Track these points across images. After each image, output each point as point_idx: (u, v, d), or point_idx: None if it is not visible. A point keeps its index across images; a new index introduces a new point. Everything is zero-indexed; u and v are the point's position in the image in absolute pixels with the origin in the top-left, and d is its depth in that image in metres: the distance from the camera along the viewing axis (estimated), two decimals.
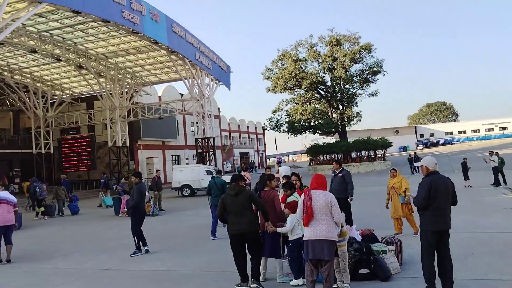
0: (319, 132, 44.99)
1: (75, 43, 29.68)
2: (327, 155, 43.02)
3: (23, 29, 26.30)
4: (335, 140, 47.74)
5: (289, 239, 6.46)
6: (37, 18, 24.94)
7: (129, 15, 23.80)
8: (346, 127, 45.37)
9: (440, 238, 5.38)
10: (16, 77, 35.34)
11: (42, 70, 35.13)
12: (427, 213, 5.40)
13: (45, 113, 38.64)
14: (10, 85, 35.54)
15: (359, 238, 6.97)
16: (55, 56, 30.37)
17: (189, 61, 30.72)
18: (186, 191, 27.25)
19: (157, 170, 21.10)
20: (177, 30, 28.60)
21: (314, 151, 42.72)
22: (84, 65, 31.83)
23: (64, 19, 25.37)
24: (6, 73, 34.06)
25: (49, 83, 37.77)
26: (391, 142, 43.32)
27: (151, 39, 27.13)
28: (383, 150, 42.51)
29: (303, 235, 6.08)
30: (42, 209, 19.13)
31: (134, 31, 25.70)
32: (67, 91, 39.68)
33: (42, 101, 38.09)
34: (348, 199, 9.96)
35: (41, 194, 19.23)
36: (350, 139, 45.81)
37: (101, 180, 25.26)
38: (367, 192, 19.73)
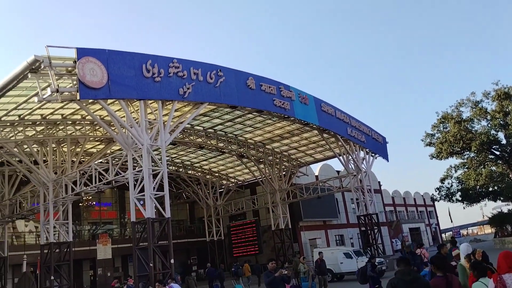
0: (501, 199, 38.99)
1: (235, 135, 32.21)
2: None
3: (192, 129, 29.72)
4: None
5: None
6: (202, 117, 28.05)
7: (280, 102, 24.99)
8: None
9: None
10: (189, 172, 39.58)
11: (210, 163, 38.79)
12: None
13: (215, 202, 41.82)
14: (185, 180, 39.87)
15: None
16: (220, 149, 33.25)
17: (341, 137, 30.49)
18: (328, 276, 25.57)
19: (319, 253, 20.22)
20: (326, 109, 28.96)
21: (498, 220, 36.83)
22: (245, 154, 34.10)
23: (224, 115, 27.93)
24: (181, 169, 38.51)
25: (217, 174, 41.28)
26: None
27: (302, 121, 27.87)
28: None
29: None
30: None
31: (285, 116, 26.78)
32: (233, 180, 42.69)
33: (211, 191, 41.51)
34: None
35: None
36: None
37: (232, 269, 26.51)
38: None
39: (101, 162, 20.88)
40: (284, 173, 37.80)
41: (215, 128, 30.46)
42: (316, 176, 42.56)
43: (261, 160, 36.33)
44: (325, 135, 30.68)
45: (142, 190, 17.57)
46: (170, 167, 37.94)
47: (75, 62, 16.15)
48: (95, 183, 19.67)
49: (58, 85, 16.06)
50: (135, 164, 18.76)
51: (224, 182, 42.40)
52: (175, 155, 35.93)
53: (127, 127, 17.69)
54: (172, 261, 17.20)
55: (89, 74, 16.33)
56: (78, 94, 16.07)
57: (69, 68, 16.57)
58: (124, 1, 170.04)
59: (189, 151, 34.97)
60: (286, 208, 37.55)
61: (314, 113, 28.04)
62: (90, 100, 19.55)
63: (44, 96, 16.02)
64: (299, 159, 38.00)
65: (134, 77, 17.75)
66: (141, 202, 17.84)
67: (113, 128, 20.53)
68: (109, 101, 20.16)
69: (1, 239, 28.75)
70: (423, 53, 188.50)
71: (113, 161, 19.82)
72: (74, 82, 16.51)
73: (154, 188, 17.85)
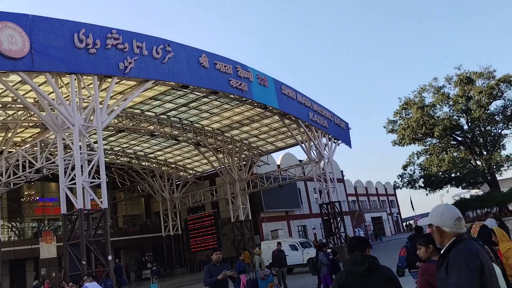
0: (463, 185, 38.79)
1: (191, 121, 30.06)
2: (477, 210, 36.51)
3: (142, 115, 27.32)
4: (482, 192, 40.85)
5: None
6: (152, 102, 25.71)
7: (236, 82, 23.11)
8: (496, 175, 38.49)
9: None
10: (143, 163, 37.00)
11: (165, 153, 36.36)
12: None
13: (171, 195, 39.46)
14: (138, 172, 37.27)
15: None
16: (175, 137, 30.95)
17: (303, 122, 28.92)
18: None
19: (278, 243, 18.50)
20: (286, 92, 27.29)
21: (461, 206, 36.36)
22: (202, 143, 31.98)
23: (177, 98, 25.72)
24: (134, 161, 35.90)
25: (173, 165, 38.89)
26: None
27: (261, 105, 26.10)
28: None
29: None
30: None
31: (243, 98, 24.94)
32: (191, 171, 40.43)
33: (168, 183, 39.10)
34: None
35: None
36: (504, 188, 38.62)
37: (153, 269, 27.31)
38: None
39: (27, 148, 18.25)
40: (244, 162, 35.97)
41: (168, 114, 28.20)
42: (278, 166, 41.01)
43: (219, 149, 34.32)
44: (286, 121, 29.03)
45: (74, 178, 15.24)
46: (122, 158, 35.38)
47: None
48: (23, 171, 17.10)
49: None
50: (70, 150, 16.42)
51: (181, 173, 40.09)
52: (127, 145, 33.32)
53: (54, 105, 15.28)
54: (109, 258, 14.98)
55: (7, 42, 13.88)
56: None
57: None
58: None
59: (142, 140, 32.46)
60: (247, 199, 35.78)
61: (274, 96, 26.31)
62: (18, 78, 17.12)
63: None
64: (259, 148, 36.24)
65: (63, 47, 15.36)
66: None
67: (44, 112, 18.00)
68: (41, 80, 17.76)
69: None
70: (384, 37, 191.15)
71: (43, 146, 17.30)
72: None
73: (90, 175, 15.53)
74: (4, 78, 15.76)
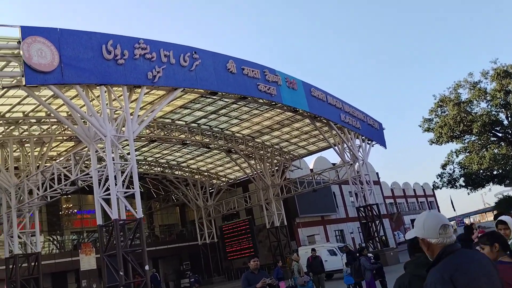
0: (506, 182, 36.97)
1: (221, 129, 30.00)
2: None
3: (173, 124, 27.46)
4: None
5: None
6: (182, 110, 25.80)
7: (265, 87, 22.83)
8: None
9: None
10: (176, 172, 37.24)
11: (197, 161, 36.47)
12: None
13: (205, 203, 39.46)
14: (172, 181, 37.51)
15: None
16: (206, 145, 30.92)
17: (334, 124, 28.30)
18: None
19: (312, 250, 17.89)
20: (316, 94, 26.79)
21: (505, 205, 34.77)
22: (233, 149, 31.85)
23: (206, 106, 25.70)
24: (167, 170, 36.15)
25: (206, 173, 38.95)
26: None
27: (291, 108, 25.72)
28: None
29: None
30: None
31: (272, 102, 24.62)
32: (223, 179, 40.38)
33: (201, 192, 39.17)
34: None
35: None
36: None
37: (191, 280, 28.83)
38: None
39: (62, 161, 18.52)
40: (276, 168, 35.56)
41: (198, 122, 28.22)
42: (311, 170, 40.34)
43: (251, 155, 34.09)
44: (317, 124, 28.49)
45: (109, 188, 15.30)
46: (155, 168, 35.69)
47: (19, 42, 13.91)
48: (58, 184, 17.33)
49: None
50: (103, 162, 16.53)
51: (214, 181, 40.09)
52: (159, 155, 33.62)
53: (86, 117, 15.42)
54: (146, 267, 14.88)
55: (37, 56, 14.09)
56: (23, 79, 13.80)
57: (16, 51, 14.30)
58: None
59: (174, 150, 32.71)
60: (281, 205, 35.29)
61: (304, 99, 25.86)
62: (50, 93, 17.44)
63: None
64: (291, 152, 35.77)
65: (92, 59, 15.51)
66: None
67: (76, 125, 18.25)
68: (72, 93, 18.05)
69: None
70: (416, 34, 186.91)
71: (77, 159, 17.50)
72: (22, 67, 14.27)
73: (123, 185, 15.54)
74: (37, 93, 16.05)
